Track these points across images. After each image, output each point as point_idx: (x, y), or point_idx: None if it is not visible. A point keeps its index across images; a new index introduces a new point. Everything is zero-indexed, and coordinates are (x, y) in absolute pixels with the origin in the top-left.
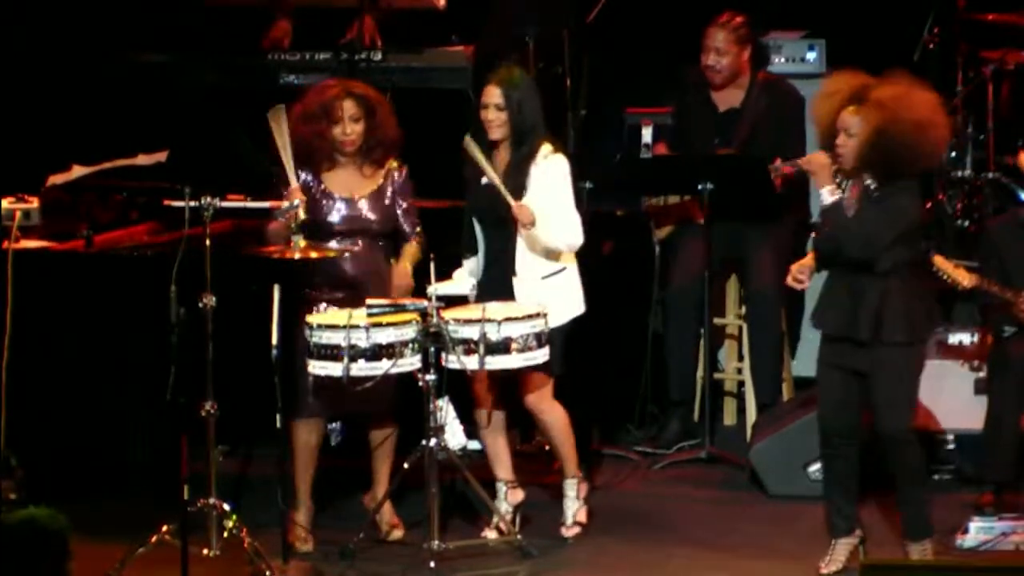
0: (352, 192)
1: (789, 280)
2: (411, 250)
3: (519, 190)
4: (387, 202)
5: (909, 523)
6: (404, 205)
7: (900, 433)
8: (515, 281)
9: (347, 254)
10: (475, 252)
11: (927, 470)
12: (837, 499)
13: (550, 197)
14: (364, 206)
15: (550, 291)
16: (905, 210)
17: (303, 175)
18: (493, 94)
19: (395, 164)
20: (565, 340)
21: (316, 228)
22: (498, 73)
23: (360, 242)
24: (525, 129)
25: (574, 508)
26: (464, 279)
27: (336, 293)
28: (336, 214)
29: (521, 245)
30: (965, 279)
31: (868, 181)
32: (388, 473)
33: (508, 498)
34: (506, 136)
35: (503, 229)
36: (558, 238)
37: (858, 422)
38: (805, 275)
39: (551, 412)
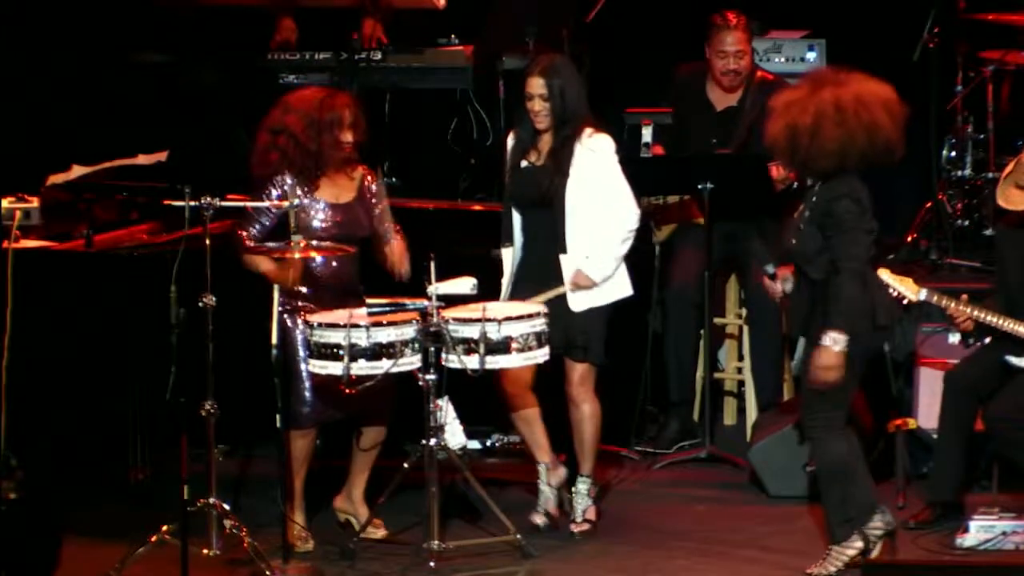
0: (337, 198)
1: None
2: (400, 244)
3: (560, 172)
4: (368, 208)
5: (826, 521)
6: (383, 207)
7: (807, 430)
8: (563, 259)
9: (327, 260)
10: (512, 242)
11: (839, 468)
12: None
13: (601, 178)
14: (350, 212)
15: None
16: (840, 218)
17: (286, 182)
18: (537, 84)
19: (364, 170)
20: (607, 324)
21: (305, 234)
22: (539, 63)
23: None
24: (568, 114)
25: (585, 505)
26: (465, 279)
27: (312, 297)
28: (326, 219)
29: (570, 224)
30: (912, 292)
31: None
32: (367, 477)
33: (551, 480)
34: (551, 126)
35: (547, 209)
36: (620, 231)
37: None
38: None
39: (592, 404)
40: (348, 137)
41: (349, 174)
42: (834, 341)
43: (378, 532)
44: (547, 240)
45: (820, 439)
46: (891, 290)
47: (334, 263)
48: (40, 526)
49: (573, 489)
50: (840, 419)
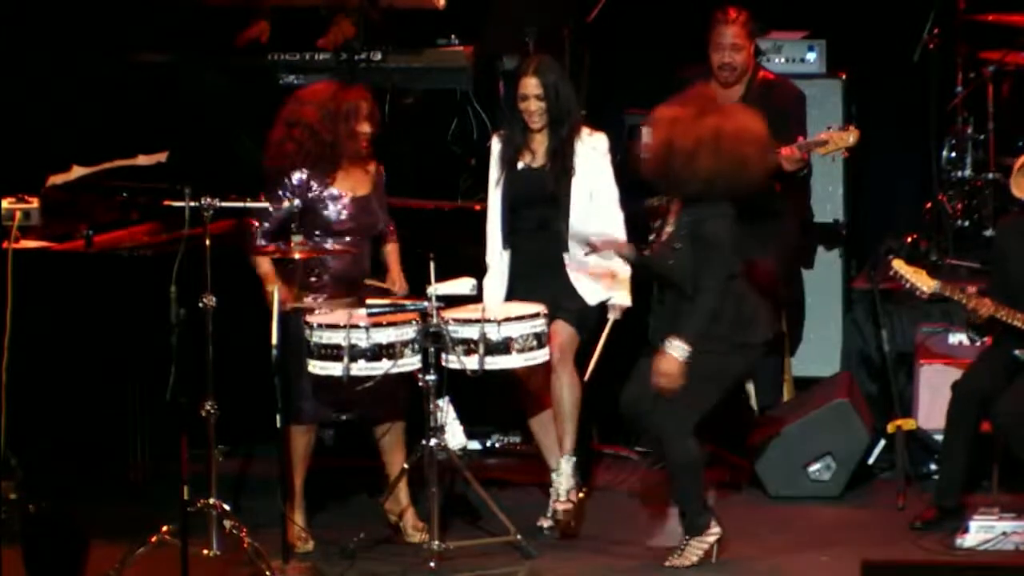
0: (355, 191)
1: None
2: (395, 252)
3: (565, 171)
4: (381, 203)
5: (681, 516)
6: (384, 203)
7: (669, 426)
8: (566, 256)
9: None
10: (509, 244)
11: (694, 467)
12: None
13: (600, 176)
14: (367, 204)
15: (595, 267)
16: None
17: (300, 176)
18: (531, 85)
19: (377, 164)
20: (598, 318)
21: (322, 226)
22: (531, 63)
23: (351, 240)
24: (563, 113)
25: (569, 484)
26: (465, 280)
27: (326, 291)
28: (343, 212)
29: (573, 221)
30: (926, 285)
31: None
32: (405, 475)
33: None
34: (546, 124)
35: (547, 208)
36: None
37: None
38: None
39: (572, 376)
40: (365, 128)
41: (365, 167)
42: (680, 350)
43: (416, 536)
44: (547, 239)
45: (673, 435)
46: (904, 283)
47: (348, 256)
48: (65, 529)
49: (554, 472)
50: (693, 421)
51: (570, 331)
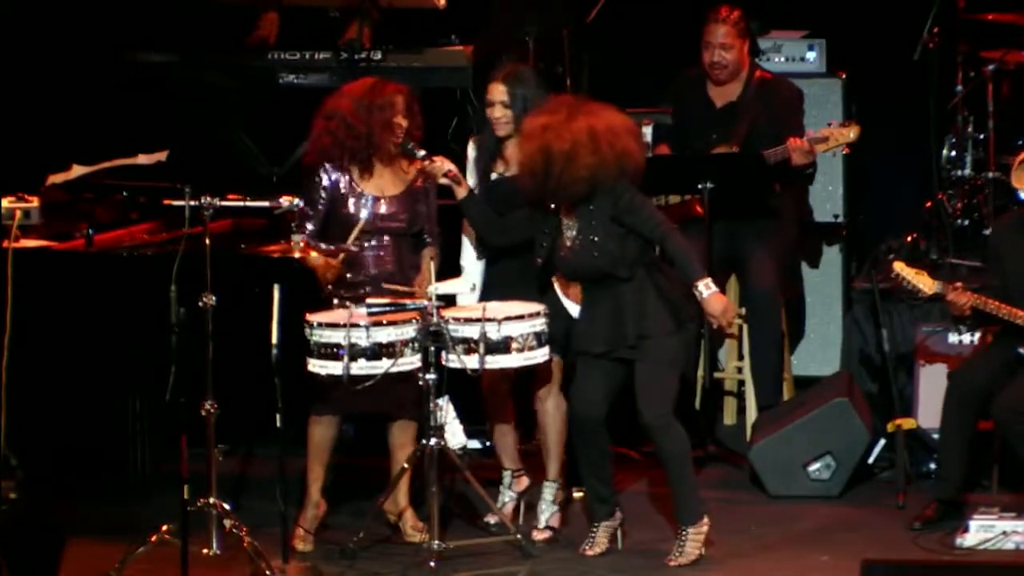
0: (382, 191)
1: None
2: (428, 256)
3: None
4: (413, 204)
5: (678, 507)
6: (430, 207)
7: (657, 418)
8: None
9: (371, 251)
10: (482, 256)
11: (689, 453)
12: (596, 485)
13: None
14: (392, 206)
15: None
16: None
17: (334, 173)
18: (498, 91)
19: (422, 168)
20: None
21: (342, 226)
22: (503, 70)
23: (386, 240)
24: None
25: (549, 512)
26: (465, 279)
27: (358, 291)
28: (363, 213)
29: None
30: (927, 286)
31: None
32: (409, 474)
33: (513, 486)
34: (512, 133)
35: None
36: None
37: (608, 411)
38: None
39: (556, 399)
40: (400, 122)
41: (404, 167)
42: (711, 285)
43: (415, 536)
44: (523, 247)
45: (670, 425)
46: (906, 284)
47: (381, 252)
48: (42, 523)
49: (542, 499)
50: (672, 407)
51: (556, 361)
